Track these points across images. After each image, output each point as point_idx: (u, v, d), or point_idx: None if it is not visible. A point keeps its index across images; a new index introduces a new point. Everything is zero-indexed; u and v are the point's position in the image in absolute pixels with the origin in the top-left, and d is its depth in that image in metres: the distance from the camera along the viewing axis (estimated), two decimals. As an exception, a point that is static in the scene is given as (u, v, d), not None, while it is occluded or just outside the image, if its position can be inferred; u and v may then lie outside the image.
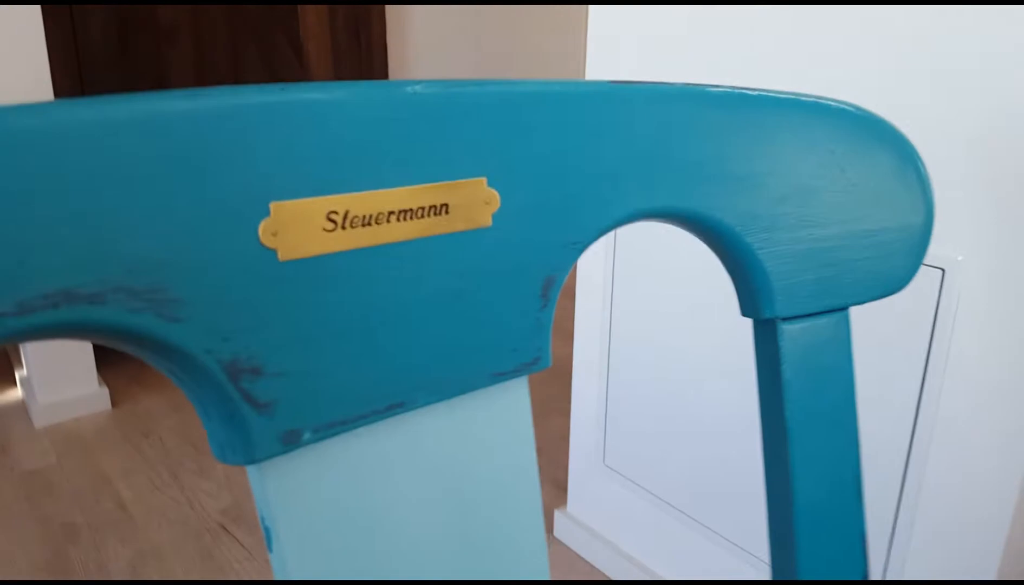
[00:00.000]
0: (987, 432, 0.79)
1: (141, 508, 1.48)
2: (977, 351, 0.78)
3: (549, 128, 0.26)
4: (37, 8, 1.59)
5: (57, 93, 1.75)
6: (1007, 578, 0.81)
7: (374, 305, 0.23)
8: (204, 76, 2.08)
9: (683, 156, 0.29)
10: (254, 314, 0.21)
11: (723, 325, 1.01)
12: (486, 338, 0.26)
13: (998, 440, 0.79)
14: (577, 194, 0.27)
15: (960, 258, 0.77)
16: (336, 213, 0.22)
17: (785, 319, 0.33)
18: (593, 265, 1.18)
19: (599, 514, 1.29)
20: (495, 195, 0.25)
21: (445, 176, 0.24)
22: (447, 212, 0.24)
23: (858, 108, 0.32)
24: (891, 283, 0.34)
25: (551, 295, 0.28)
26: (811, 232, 0.32)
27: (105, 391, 1.85)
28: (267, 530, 0.23)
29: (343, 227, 0.22)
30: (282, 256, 0.21)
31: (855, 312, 0.34)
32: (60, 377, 1.79)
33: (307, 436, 0.22)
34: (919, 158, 0.34)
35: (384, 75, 2.40)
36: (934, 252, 0.77)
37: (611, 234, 1.13)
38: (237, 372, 0.21)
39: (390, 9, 2.39)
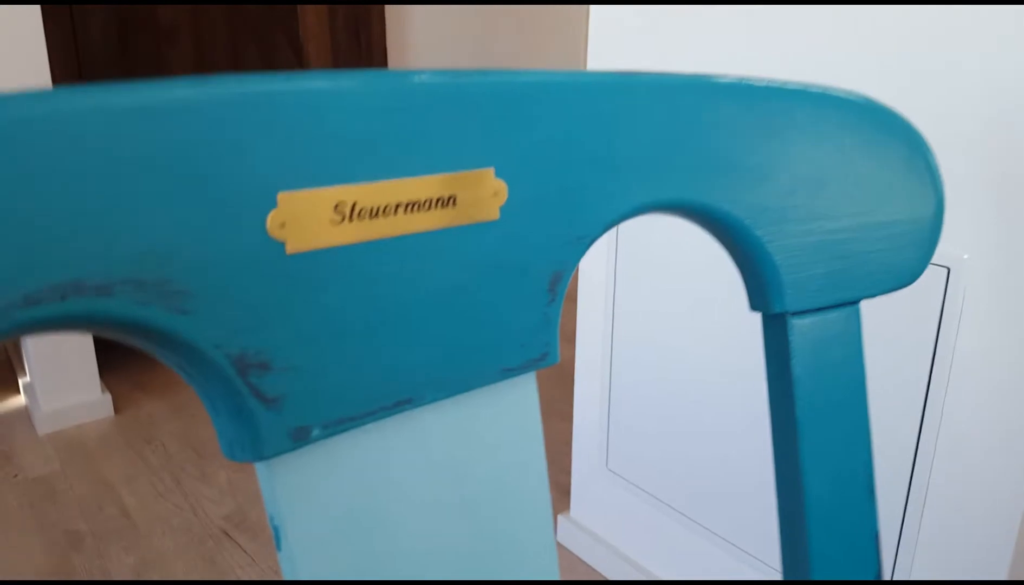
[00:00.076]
0: (993, 431, 0.79)
1: (144, 515, 1.48)
2: (983, 349, 0.78)
3: (556, 118, 0.26)
4: (37, 8, 1.59)
5: (58, 97, 1.74)
6: (1018, 579, 0.81)
7: (382, 300, 0.23)
8: (204, 77, 2.08)
9: (691, 147, 0.29)
10: (262, 308, 0.20)
11: (726, 328, 1.01)
12: (494, 333, 0.26)
13: (1004, 439, 0.78)
14: (584, 186, 0.27)
15: (966, 256, 0.76)
16: (343, 204, 0.22)
17: (795, 313, 0.32)
18: (595, 268, 1.18)
19: (602, 518, 1.29)
20: (503, 186, 0.25)
21: (452, 167, 0.24)
22: (454, 204, 0.24)
23: (868, 99, 0.32)
24: (902, 276, 0.34)
25: (559, 290, 0.27)
26: (821, 224, 0.32)
27: (108, 398, 1.85)
28: (276, 529, 0.22)
29: (350, 219, 0.22)
30: (290, 248, 0.21)
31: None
32: (63, 384, 1.79)
33: (316, 432, 0.22)
34: (929, 150, 0.33)
35: (384, 77, 2.40)
36: (939, 251, 0.77)
37: (613, 237, 1.13)
38: (245, 366, 0.20)
39: (390, 9, 2.39)
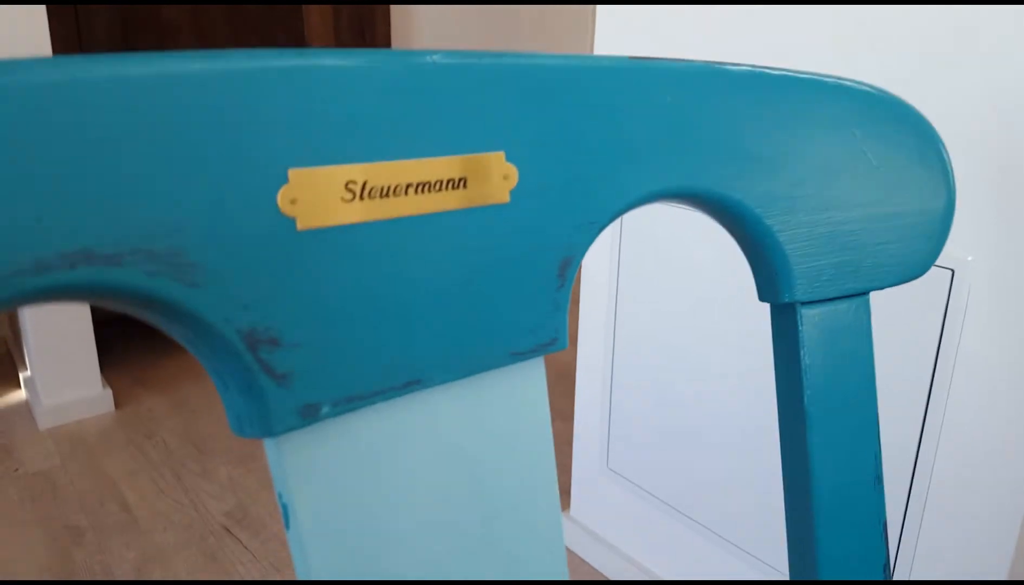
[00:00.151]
0: (995, 432, 0.79)
1: (145, 510, 1.47)
2: (986, 351, 0.78)
3: (568, 102, 0.25)
4: (42, 8, 1.60)
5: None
6: (1018, 579, 0.81)
7: (392, 279, 0.23)
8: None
9: (702, 135, 0.28)
10: (273, 283, 0.20)
11: (727, 328, 1.01)
12: (503, 316, 0.26)
13: (1006, 440, 0.78)
14: (595, 172, 0.27)
15: (970, 258, 0.76)
16: (354, 182, 0.22)
17: (804, 303, 0.32)
18: (597, 268, 1.18)
19: (603, 518, 1.29)
20: (513, 170, 0.25)
21: (463, 149, 0.24)
22: (465, 186, 0.24)
23: (880, 90, 0.32)
24: (912, 268, 0.34)
25: (568, 275, 0.27)
26: (832, 215, 0.32)
27: (109, 393, 1.85)
28: (284, 507, 0.22)
29: (361, 198, 0.22)
30: (300, 225, 0.21)
31: (874, 299, 0.34)
32: (64, 379, 1.79)
33: (325, 410, 0.22)
34: (941, 141, 0.33)
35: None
36: (944, 252, 0.77)
37: (616, 236, 1.12)
38: (255, 342, 0.20)
39: (395, 9, 2.39)
